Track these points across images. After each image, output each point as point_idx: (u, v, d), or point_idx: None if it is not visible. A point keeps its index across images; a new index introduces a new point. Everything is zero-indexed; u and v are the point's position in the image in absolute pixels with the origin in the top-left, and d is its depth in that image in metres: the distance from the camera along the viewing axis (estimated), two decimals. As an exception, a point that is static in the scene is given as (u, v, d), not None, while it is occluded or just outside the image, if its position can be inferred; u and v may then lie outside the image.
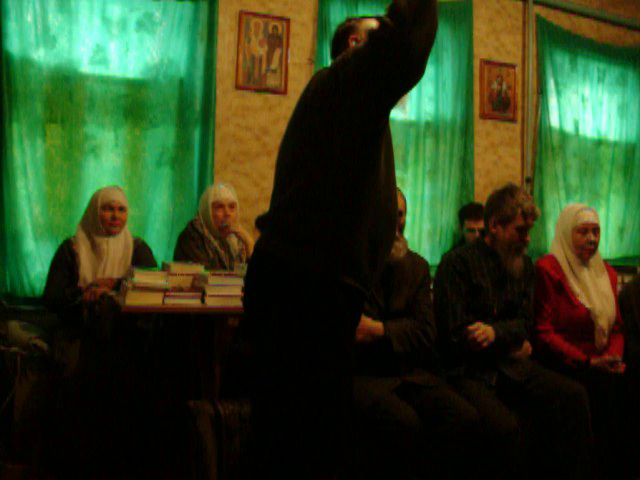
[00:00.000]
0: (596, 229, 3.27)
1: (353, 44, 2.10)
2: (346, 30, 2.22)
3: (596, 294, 3.24)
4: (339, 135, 1.79)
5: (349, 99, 1.75)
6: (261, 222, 1.97)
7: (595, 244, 3.27)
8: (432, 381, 2.77)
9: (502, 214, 2.97)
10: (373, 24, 2.00)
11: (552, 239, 3.60)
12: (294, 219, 1.82)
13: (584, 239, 3.24)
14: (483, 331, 2.82)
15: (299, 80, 4.51)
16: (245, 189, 4.31)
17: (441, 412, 2.57)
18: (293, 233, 1.82)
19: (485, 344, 2.81)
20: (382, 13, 1.74)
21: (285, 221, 1.83)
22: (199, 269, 3.00)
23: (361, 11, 4.62)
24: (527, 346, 3.08)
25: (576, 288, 3.22)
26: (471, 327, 2.82)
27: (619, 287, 3.56)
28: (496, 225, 3.00)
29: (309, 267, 1.79)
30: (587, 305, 3.19)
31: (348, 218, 1.80)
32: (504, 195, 3.00)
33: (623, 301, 3.44)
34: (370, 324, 2.69)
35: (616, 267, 3.67)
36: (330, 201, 1.79)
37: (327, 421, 1.80)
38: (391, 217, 1.95)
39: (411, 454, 2.47)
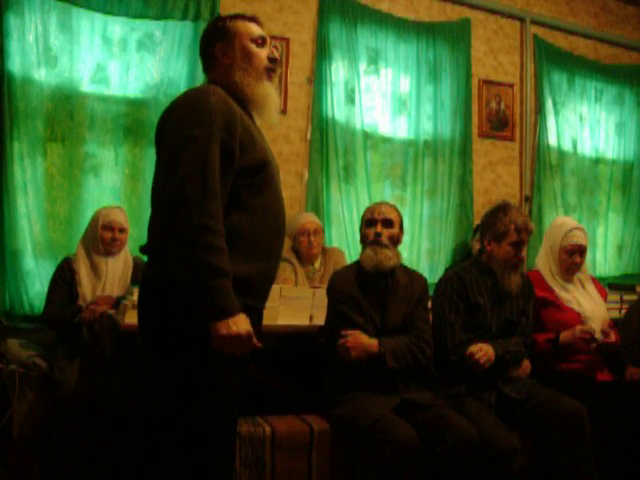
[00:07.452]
0: (583, 251, 3.28)
1: (219, 55, 1.88)
2: (213, 33, 1.91)
3: (584, 299, 3.28)
4: None
5: None
6: (145, 250, 1.90)
7: (579, 265, 3.30)
8: (432, 400, 2.76)
9: (496, 231, 2.99)
10: (251, 29, 1.88)
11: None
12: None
13: (569, 260, 3.27)
14: (485, 352, 2.81)
15: (298, 99, 4.54)
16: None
17: (441, 431, 2.56)
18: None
19: (487, 365, 2.81)
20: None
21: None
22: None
23: (360, 31, 4.67)
24: (526, 364, 3.08)
25: (564, 294, 3.26)
26: (472, 349, 2.81)
27: (612, 303, 3.56)
28: (491, 242, 3.02)
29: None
30: (577, 309, 3.22)
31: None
32: (497, 212, 3.03)
33: (625, 319, 3.45)
34: (365, 341, 2.69)
35: (615, 285, 3.67)
36: None
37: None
38: (277, 232, 1.89)
39: (410, 474, 2.46)
